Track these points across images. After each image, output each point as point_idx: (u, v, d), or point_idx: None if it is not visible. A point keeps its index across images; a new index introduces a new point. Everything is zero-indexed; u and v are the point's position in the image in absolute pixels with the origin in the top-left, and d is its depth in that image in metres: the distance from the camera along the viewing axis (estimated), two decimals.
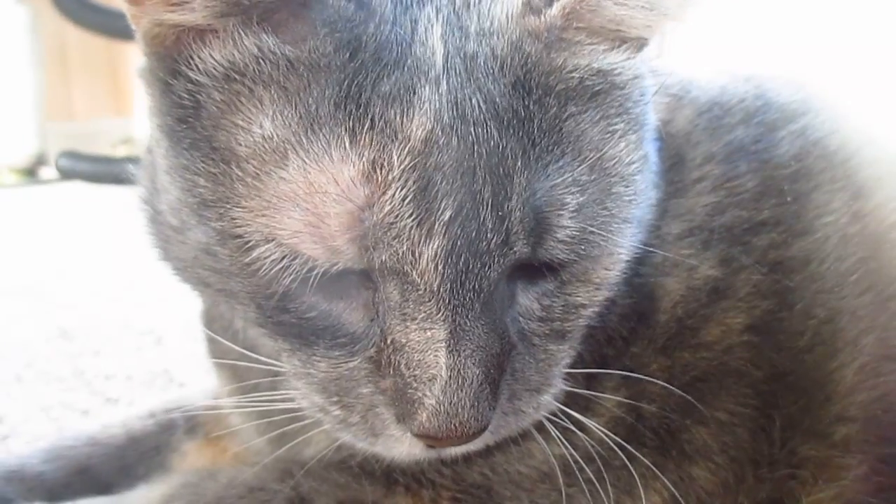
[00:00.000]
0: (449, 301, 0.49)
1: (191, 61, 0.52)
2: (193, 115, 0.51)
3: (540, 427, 0.60)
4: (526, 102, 0.50)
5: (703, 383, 0.63)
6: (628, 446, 0.61)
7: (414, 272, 0.48)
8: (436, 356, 0.49)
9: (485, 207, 0.48)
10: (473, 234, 0.48)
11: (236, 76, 0.50)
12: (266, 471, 0.66)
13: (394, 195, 0.47)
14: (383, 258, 0.48)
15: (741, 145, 0.69)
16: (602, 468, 0.61)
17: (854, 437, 0.60)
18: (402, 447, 0.54)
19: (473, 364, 0.50)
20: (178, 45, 0.52)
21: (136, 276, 1.70)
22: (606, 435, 0.61)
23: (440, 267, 0.48)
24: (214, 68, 0.51)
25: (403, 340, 0.50)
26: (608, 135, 0.54)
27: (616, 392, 0.63)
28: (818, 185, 0.66)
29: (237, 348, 0.63)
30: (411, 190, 0.47)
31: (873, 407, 0.60)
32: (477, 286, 0.49)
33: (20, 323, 1.40)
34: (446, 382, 0.49)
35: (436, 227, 0.48)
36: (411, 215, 0.47)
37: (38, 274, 1.79)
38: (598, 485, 0.61)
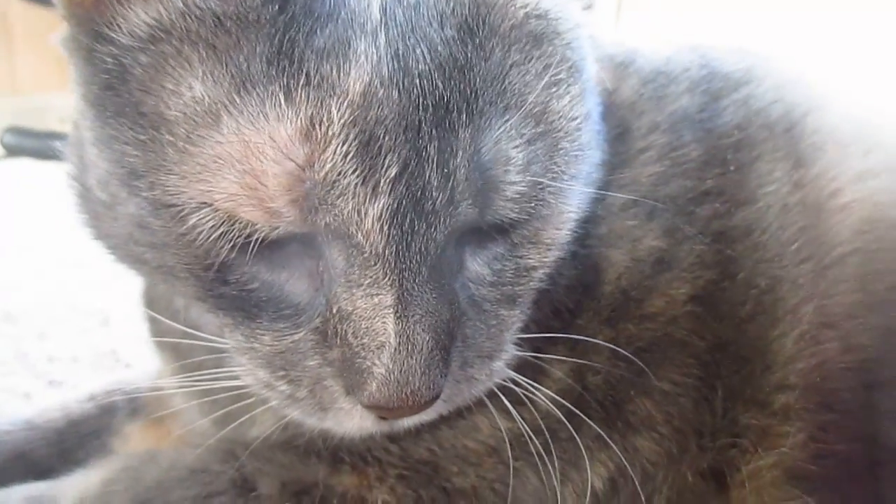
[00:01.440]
0: (395, 265, 0.48)
1: (113, 23, 0.49)
2: (119, 80, 0.49)
3: (486, 401, 0.60)
4: (470, 48, 0.49)
5: (647, 354, 0.63)
6: (575, 419, 0.61)
7: (359, 233, 0.47)
8: (384, 322, 0.48)
9: (430, 164, 0.47)
10: (419, 192, 0.47)
11: (162, 36, 0.48)
12: (209, 452, 0.64)
13: (335, 151, 0.45)
14: (327, 219, 0.46)
15: (686, 115, 0.68)
16: (549, 441, 0.60)
17: (793, 405, 0.60)
18: (352, 421, 0.53)
19: (423, 330, 0.48)
20: (100, 6, 0.50)
21: (85, 255, 1.66)
22: (552, 407, 0.60)
23: (385, 227, 0.47)
24: (139, 28, 0.48)
25: (349, 308, 0.49)
26: (553, 87, 0.53)
27: (562, 364, 0.62)
28: (760, 155, 0.66)
29: (179, 327, 0.61)
30: (353, 146, 0.45)
31: (812, 375, 0.60)
32: (423, 248, 0.48)
33: None
34: (395, 349, 0.48)
35: (381, 184, 0.46)
36: (354, 171, 0.46)
37: None
38: (545, 457, 0.61)
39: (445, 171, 0.47)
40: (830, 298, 0.61)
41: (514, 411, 0.59)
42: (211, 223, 0.47)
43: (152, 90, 0.47)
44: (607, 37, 0.76)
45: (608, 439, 0.62)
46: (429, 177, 0.47)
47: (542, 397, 0.60)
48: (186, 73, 0.47)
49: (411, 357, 0.48)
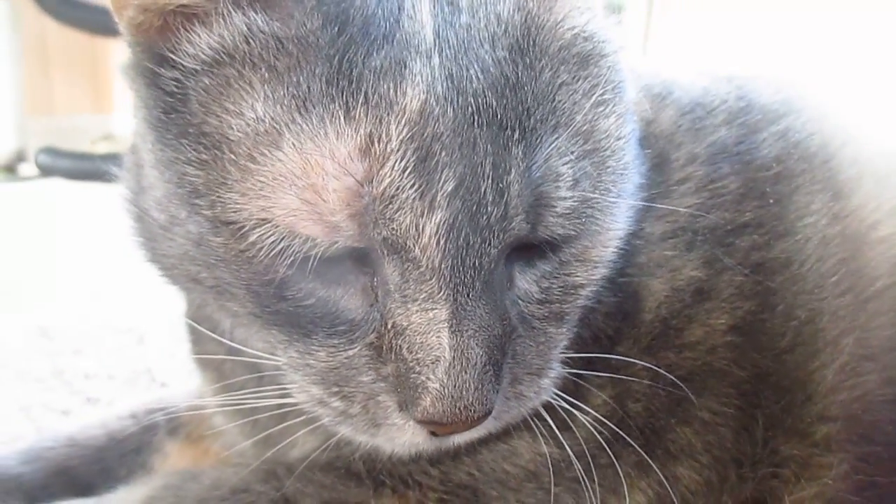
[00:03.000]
0: (450, 279, 0.49)
1: (178, 48, 0.51)
2: (181, 103, 0.51)
3: (527, 425, 0.60)
4: (521, 68, 0.50)
5: (687, 383, 0.63)
6: (615, 445, 0.61)
7: (416, 247, 0.48)
8: (438, 337, 0.49)
9: (485, 180, 0.48)
10: (474, 207, 0.48)
11: (225, 59, 0.50)
12: (250, 472, 0.65)
13: (393, 167, 0.47)
14: (385, 233, 0.48)
15: (724, 147, 0.69)
16: (588, 467, 0.61)
17: (835, 436, 0.61)
18: (404, 437, 0.53)
19: (476, 344, 0.49)
20: (165, 32, 0.52)
21: (118, 273, 1.68)
22: (594, 432, 0.61)
23: (442, 242, 0.48)
24: (203, 52, 0.50)
25: (404, 323, 0.50)
26: (600, 107, 0.54)
27: (602, 390, 0.63)
28: (799, 187, 0.67)
29: (225, 342, 0.62)
30: (411, 161, 0.47)
31: (853, 406, 0.60)
32: (478, 263, 0.49)
33: None
34: (450, 364, 0.49)
35: (438, 198, 0.47)
36: (413, 186, 0.47)
37: (18, 272, 1.77)
38: (584, 484, 0.61)
39: (500, 186, 0.49)
40: (870, 331, 0.62)
41: (550, 438, 0.60)
42: (271, 239, 0.49)
43: (215, 111, 0.49)
44: (645, 67, 0.77)
45: (647, 467, 0.62)
46: (484, 192, 0.48)
47: (584, 422, 0.61)
48: (248, 94, 0.48)
49: (465, 372, 0.49)
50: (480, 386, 0.49)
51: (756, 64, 0.87)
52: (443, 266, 0.48)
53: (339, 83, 0.47)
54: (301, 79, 0.48)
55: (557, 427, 0.59)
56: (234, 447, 0.73)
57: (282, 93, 0.48)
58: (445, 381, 0.49)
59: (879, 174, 0.67)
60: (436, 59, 0.49)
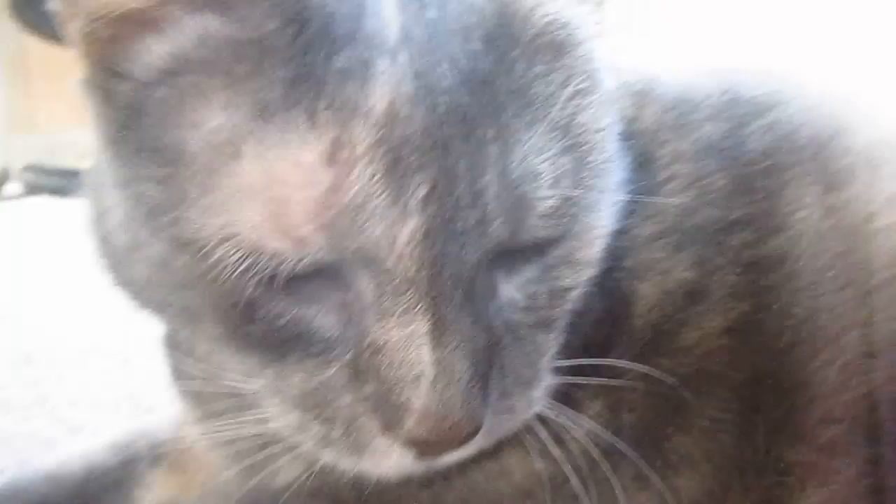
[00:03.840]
0: (428, 290, 0.46)
1: (130, 58, 0.49)
2: (136, 117, 0.48)
3: (519, 441, 0.58)
4: (494, 60, 0.48)
5: (682, 389, 0.61)
6: (611, 458, 0.59)
7: (390, 258, 0.45)
8: (419, 352, 0.46)
9: (460, 183, 0.45)
10: (450, 212, 0.45)
11: (179, 67, 0.47)
12: (235, 502, 0.63)
13: (361, 173, 0.44)
14: (356, 245, 0.45)
15: (710, 142, 0.67)
16: (584, 482, 0.58)
17: (841, 438, 0.58)
18: (390, 460, 0.50)
19: (461, 358, 0.46)
20: (116, 43, 0.49)
21: (105, 293, 1.66)
22: (589, 445, 0.58)
23: (417, 250, 0.45)
24: (155, 62, 0.48)
25: (382, 340, 0.47)
26: (577, 98, 0.51)
27: (595, 400, 0.60)
28: (790, 181, 0.65)
29: (202, 371, 0.59)
30: (380, 167, 0.44)
31: (859, 406, 0.58)
32: (457, 272, 0.46)
33: None
34: (433, 380, 0.46)
35: (410, 204, 0.44)
36: (383, 193, 0.44)
37: (1, 294, 1.74)
38: (581, 500, 0.59)
39: (476, 188, 0.46)
40: (873, 326, 0.59)
41: (548, 450, 0.57)
42: (236, 257, 0.46)
43: (171, 124, 0.47)
44: (625, 62, 0.75)
45: (646, 479, 0.60)
46: (459, 196, 0.46)
47: (578, 435, 0.58)
48: (205, 103, 0.46)
49: (450, 387, 0.46)
50: (468, 401, 0.47)
51: (741, 53, 0.85)
52: (419, 277, 0.46)
53: (301, 87, 0.44)
54: (261, 84, 0.45)
55: (550, 441, 0.57)
56: (219, 476, 0.70)
57: (241, 100, 0.45)
58: (429, 398, 0.46)
59: (873, 164, 0.65)
60: (402, 57, 0.46)
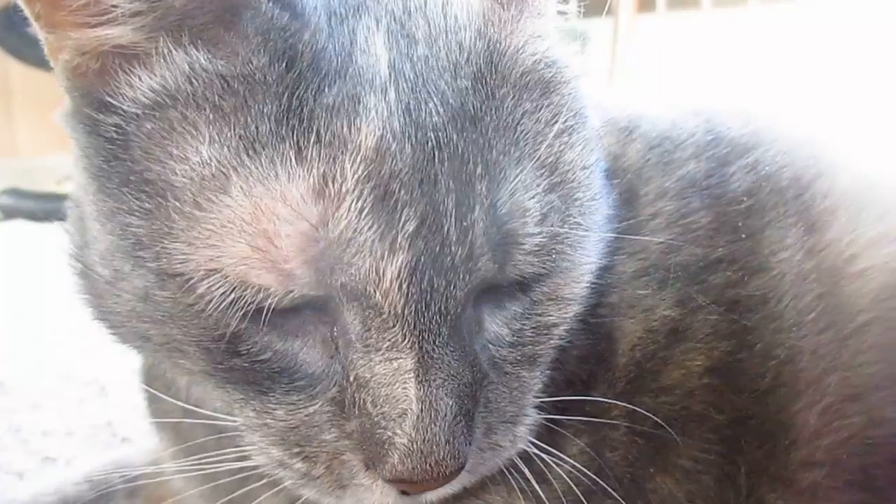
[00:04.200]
0: (415, 325, 0.46)
1: (117, 91, 0.49)
2: (123, 150, 0.48)
3: (502, 479, 0.57)
4: (483, 97, 0.49)
5: (664, 429, 0.61)
6: (593, 498, 0.58)
7: (377, 293, 0.45)
8: (404, 388, 0.46)
9: (448, 219, 0.46)
10: (437, 248, 0.46)
11: (167, 101, 0.47)
12: None
13: (350, 208, 0.44)
14: (343, 279, 0.45)
15: (693, 181, 0.67)
16: None
17: (822, 482, 0.58)
18: (373, 497, 0.50)
19: (446, 394, 0.46)
20: (103, 76, 0.49)
21: (80, 320, 1.64)
22: (571, 486, 0.58)
23: (405, 286, 0.45)
24: (144, 95, 0.48)
25: (368, 375, 0.47)
26: (564, 135, 0.53)
27: (579, 438, 0.60)
28: (771, 221, 0.65)
29: (181, 404, 0.59)
30: (368, 201, 0.44)
31: (839, 451, 0.58)
32: (443, 308, 0.46)
33: None
34: (418, 417, 0.46)
35: (399, 239, 0.45)
36: (371, 228, 0.44)
37: None
38: None
39: (464, 224, 0.46)
40: (854, 369, 0.60)
41: (530, 488, 0.57)
42: (221, 290, 0.46)
43: (158, 157, 0.47)
44: (610, 100, 0.76)
45: None
46: (447, 231, 0.46)
47: (560, 473, 0.58)
48: (193, 137, 0.46)
49: (435, 424, 0.46)
50: (452, 439, 0.46)
51: (723, 93, 0.86)
52: (406, 312, 0.46)
53: (290, 122, 0.45)
54: (249, 119, 0.45)
55: (533, 480, 0.57)
56: None
57: (228, 134, 0.45)
58: (414, 435, 0.46)
59: (854, 206, 0.66)
60: (391, 94, 0.46)
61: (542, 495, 0.57)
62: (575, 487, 0.58)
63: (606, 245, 0.59)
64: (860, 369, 0.59)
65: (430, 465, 0.46)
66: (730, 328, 0.62)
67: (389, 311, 0.46)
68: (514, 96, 0.50)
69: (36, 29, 0.50)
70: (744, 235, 0.65)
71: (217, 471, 0.58)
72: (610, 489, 0.59)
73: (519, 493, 0.58)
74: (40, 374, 1.32)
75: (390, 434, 0.46)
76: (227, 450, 0.55)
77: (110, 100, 0.49)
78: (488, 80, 0.50)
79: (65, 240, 0.61)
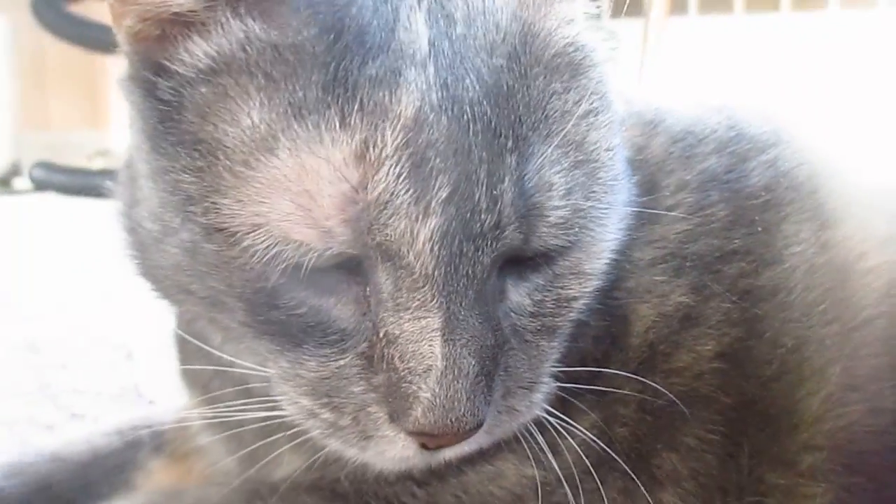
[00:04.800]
0: (443, 287, 0.49)
1: (175, 57, 0.52)
2: (178, 112, 0.51)
3: (513, 447, 0.60)
4: (516, 75, 0.51)
5: (673, 408, 0.63)
6: (600, 470, 0.61)
7: (410, 253, 0.48)
8: (430, 346, 0.48)
9: (479, 188, 0.48)
10: (468, 215, 0.48)
11: (222, 67, 0.50)
12: (233, 492, 0.65)
13: (388, 172, 0.47)
14: (378, 239, 0.48)
15: (714, 174, 0.70)
16: (574, 491, 0.60)
17: (820, 465, 0.60)
18: (394, 449, 0.52)
19: (469, 354, 0.49)
20: (163, 42, 0.53)
21: (109, 289, 1.69)
22: (580, 456, 0.60)
23: (436, 248, 0.48)
24: (200, 61, 0.51)
25: (396, 332, 0.49)
26: (589, 116, 0.55)
27: (589, 414, 0.62)
28: (787, 216, 0.67)
29: (214, 354, 0.61)
30: (405, 167, 0.47)
31: (839, 436, 0.60)
32: (470, 272, 0.49)
33: None
34: (442, 373, 0.48)
35: (433, 204, 0.47)
36: (407, 192, 0.47)
37: (8, 284, 1.76)
38: None
39: (493, 193, 0.49)
40: (856, 361, 0.62)
41: (541, 457, 0.59)
42: (264, 245, 0.48)
43: (211, 118, 0.50)
44: (637, 95, 0.78)
45: (633, 493, 0.62)
46: (478, 200, 0.48)
47: (572, 444, 0.60)
48: (245, 101, 0.49)
49: (457, 381, 0.48)
50: (472, 397, 0.49)
51: (749, 96, 0.88)
52: (436, 273, 0.48)
53: (335, 91, 0.48)
54: (297, 86, 0.48)
55: (546, 448, 0.59)
56: (219, 465, 0.72)
57: (278, 100, 0.48)
58: (437, 390, 0.48)
59: (868, 206, 0.68)
60: (430, 69, 0.49)
61: (553, 464, 0.60)
62: (585, 459, 0.60)
63: (626, 229, 0.61)
64: (862, 361, 0.62)
65: (450, 419, 0.49)
66: (741, 316, 0.64)
67: (420, 272, 0.48)
68: (544, 76, 0.53)
69: None
70: (759, 229, 0.67)
71: (242, 422, 0.61)
72: (616, 462, 0.62)
73: (531, 462, 0.61)
74: (69, 337, 1.37)
75: (415, 388, 0.49)
76: (254, 401, 0.58)
77: (168, 64, 0.52)
78: (522, 59, 0.52)
79: (113, 200, 0.64)
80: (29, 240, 2.42)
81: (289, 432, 0.57)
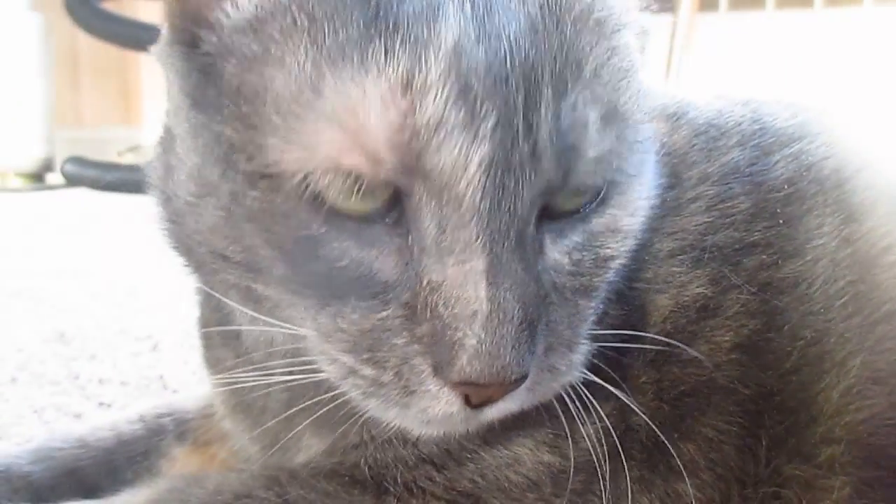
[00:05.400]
0: (487, 224, 0.49)
1: (219, 9, 0.54)
2: (221, 63, 0.53)
3: (531, 433, 0.61)
4: (549, 23, 0.52)
5: (691, 399, 0.63)
6: (617, 458, 0.61)
7: (462, 181, 0.48)
8: (476, 289, 0.48)
9: (517, 117, 0.49)
10: (509, 145, 0.48)
11: (266, 13, 0.52)
12: (253, 478, 0.65)
13: (435, 98, 0.47)
14: (429, 165, 0.48)
15: (736, 167, 0.70)
16: (591, 479, 0.61)
17: (839, 458, 0.60)
18: (438, 405, 0.51)
19: (514, 298, 0.49)
20: None
21: (137, 282, 1.72)
22: (597, 444, 0.60)
23: (484, 178, 0.48)
24: (244, 11, 0.53)
25: (440, 279, 0.49)
26: (619, 73, 0.55)
27: (606, 402, 0.62)
28: (810, 209, 0.67)
29: (242, 329, 0.63)
30: (452, 93, 0.47)
31: (858, 429, 0.60)
32: (512, 208, 0.49)
33: (18, 325, 1.41)
34: (487, 317, 0.48)
35: (482, 130, 0.48)
36: (458, 116, 0.47)
37: (39, 277, 1.80)
38: (585, 497, 0.61)
39: (531, 124, 0.49)
40: (878, 354, 0.61)
41: (559, 443, 0.60)
42: (313, 179, 0.49)
43: (257, 65, 0.51)
44: (661, 89, 0.78)
45: (650, 482, 0.62)
46: (517, 129, 0.49)
47: (591, 431, 0.61)
48: (290, 43, 0.50)
49: (503, 326, 0.48)
50: (518, 344, 0.49)
51: (776, 93, 0.87)
52: (482, 207, 0.48)
53: (377, 26, 0.48)
54: (338, 24, 0.49)
55: (565, 433, 0.59)
56: (241, 453, 0.73)
57: (321, 39, 0.49)
58: (483, 336, 0.48)
59: (893, 200, 0.67)
60: (467, 7, 0.50)
61: (570, 451, 0.60)
62: (602, 446, 0.60)
63: (648, 219, 0.61)
64: (884, 354, 0.61)
65: (496, 368, 0.48)
66: (760, 308, 0.64)
67: (468, 204, 0.49)
68: (575, 27, 0.53)
69: None
70: (781, 221, 0.67)
71: (264, 408, 0.63)
72: (634, 451, 0.62)
73: (548, 448, 0.61)
74: (98, 328, 1.39)
75: (460, 335, 0.48)
76: (277, 362, 0.59)
77: (212, 17, 0.54)
78: (553, 8, 0.52)
79: (150, 171, 0.65)
80: (61, 234, 2.47)
81: (309, 417, 0.58)
